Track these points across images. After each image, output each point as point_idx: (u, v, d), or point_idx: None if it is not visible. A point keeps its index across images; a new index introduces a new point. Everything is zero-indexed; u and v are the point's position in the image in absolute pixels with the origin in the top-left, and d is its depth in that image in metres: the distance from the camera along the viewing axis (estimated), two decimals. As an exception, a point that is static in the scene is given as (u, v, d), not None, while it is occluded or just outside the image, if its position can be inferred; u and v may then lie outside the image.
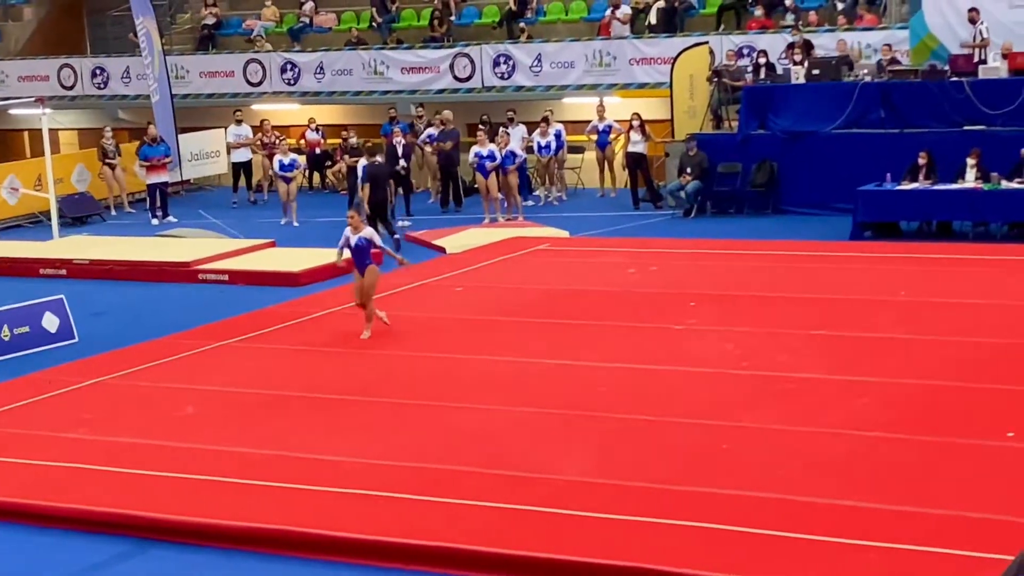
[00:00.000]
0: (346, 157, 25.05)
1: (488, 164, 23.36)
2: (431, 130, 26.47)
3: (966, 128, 20.97)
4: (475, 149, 23.71)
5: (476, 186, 24.37)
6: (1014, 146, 20.05)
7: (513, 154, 23.61)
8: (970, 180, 19.97)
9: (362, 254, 15.42)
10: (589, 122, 25.92)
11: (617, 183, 26.09)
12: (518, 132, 25.53)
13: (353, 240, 15.39)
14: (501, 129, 24.96)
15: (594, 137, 25.74)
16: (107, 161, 27.40)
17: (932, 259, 18.23)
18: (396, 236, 21.05)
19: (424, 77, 29.19)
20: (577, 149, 26.73)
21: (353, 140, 24.59)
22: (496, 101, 27.91)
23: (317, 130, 28.29)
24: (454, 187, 25.65)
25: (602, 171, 26.16)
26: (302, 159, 26.53)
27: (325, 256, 19.94)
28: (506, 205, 23.88)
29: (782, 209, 22.69)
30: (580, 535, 9.22)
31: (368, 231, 15.59)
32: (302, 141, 28.66)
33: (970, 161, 20.00)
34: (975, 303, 15.50)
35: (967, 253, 18.54)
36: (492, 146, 23.71)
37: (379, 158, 22.19)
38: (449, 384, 13.29)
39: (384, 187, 21.49)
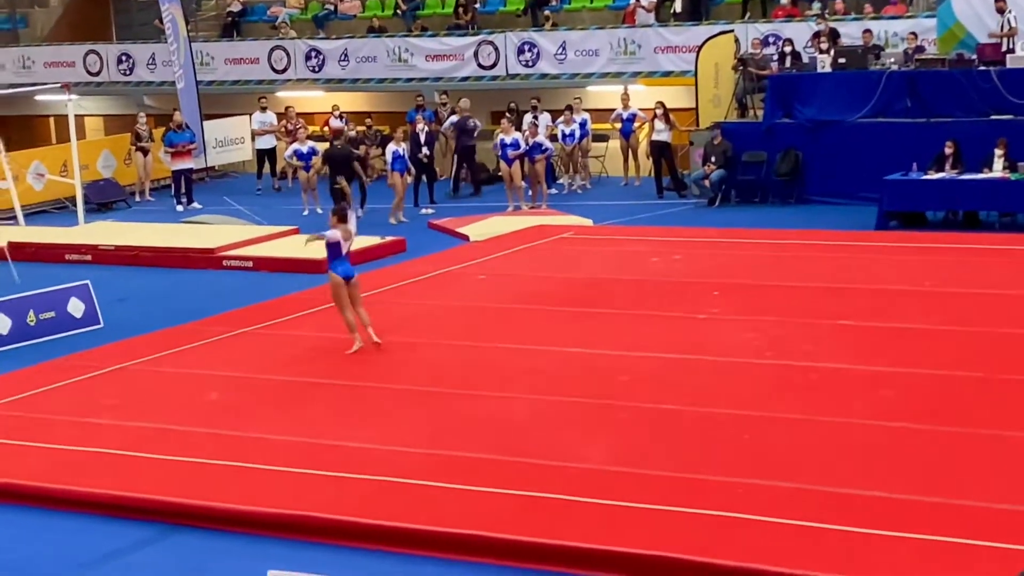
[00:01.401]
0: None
1: (511, 152, 23.34)
2: (454, 118, 26.49)
3: (993, 117, 20.84)
4: (500, 137, 23.68)
5: (500, 174, 24.36)
6: (1042, 136, 19.96)
7: (541, 145, 23.57)
8: (997, 170, 19.86)
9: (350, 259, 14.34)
10: (614, 110, 25.88)
11: (641, 172, 26.05)
12: (542, 120, 25.50)
13: (345, 246, 14.18)
14: (529, 119, 24.90)
15: (618, 125, 25.70)
16: (140, 145, 27.46)
17: (958, 249, 18.15)
18: None
19: (448, 65, 29.15)
20: (601, 137, 26.68)
21: (352, 133, 24.51)
22: (520, 89, 27.87)
23: (341, 117, 28.29)
24: (472, 174, 25.80)
25: (626, 160, 26.11)
26: (322, 146, 26.49)
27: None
28: (530, 193, 23.86)
29: (807, 198, 22.60)
30: (601, 523, 9.21)
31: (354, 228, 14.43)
32: (326, 128, 28.67)
33: (997, 151, 19.88)
34: (1001, 293, 15.42)
35: (993, 243, 18.47)
36: (517, 134, 23.68)
37: (339, 142, 23.37)
38: (471, 372, 13.30)
39: (343, 169, 22.34)
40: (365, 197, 23.74)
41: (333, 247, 14.10)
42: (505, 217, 22.52)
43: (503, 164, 23.61)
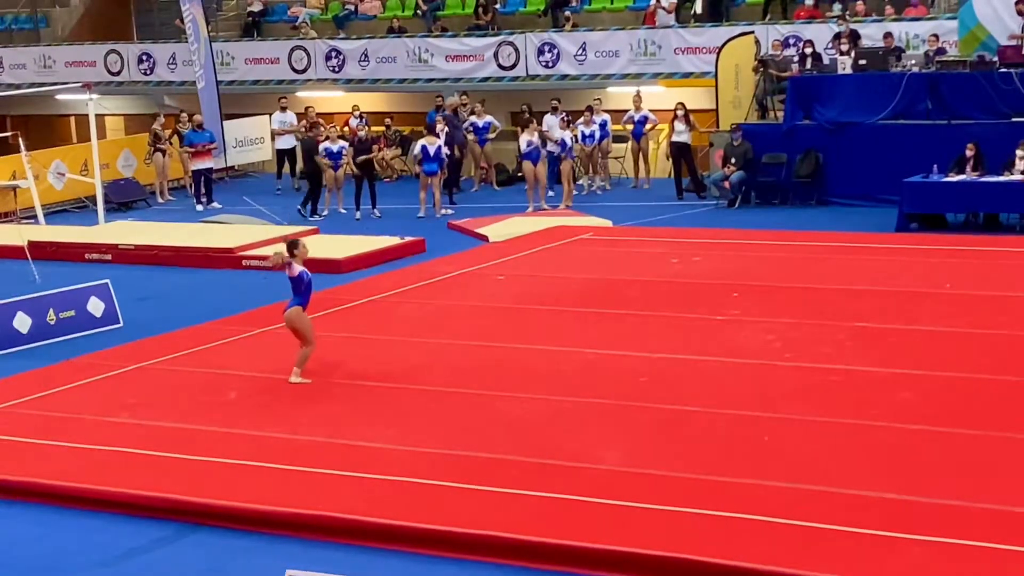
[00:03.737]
0: (351, 149, 24.80)
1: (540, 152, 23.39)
2: (473, 118, 26.57)
3: (1014, 120, 20.77)
4: (524, 137, 23.66)
5: (520, 174, 24.36)
6: (1063, 138, 19.87)
7: (564, 143, 23.62)
8: (1018, 172, 19.79)
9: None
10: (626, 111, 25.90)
11: (652, 173, 26.12)
12: (557, 121, 25.48)
13: (297, 270, 13.15)
14: (552, 120, 24.83)
15: (630, 127, 25.72)
16: (158, 147, 27.54)
17: (978, 252, 18.09)
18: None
19: (468, 65, 29.18)
20: (622, 139, 26.68)
21: (362, 134, 24.54)
22: (540, 90, 27.88)
23: (361, 117, 28.25)
24: (447, 178, 25.59)
25: (637, 162, 26.16)
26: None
27: (369, 243, 20.06)
28: (550, 193, 23.86)
29: (827, 200, 22.56)
30: (619, 525, 9.20)
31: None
32: (346, 128, 28.67)
33: (1019, 153, 19.81)
34: (1022, 296, 15.36)
35: (1014, 246, 18.38)
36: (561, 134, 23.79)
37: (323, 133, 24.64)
38: (490, 372, 13.29)
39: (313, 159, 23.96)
40: (375, 197, 23.79)
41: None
42: (525, 218, 22.51)
43: (527, 164, 23.57)
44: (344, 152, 24.04)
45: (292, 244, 13.38)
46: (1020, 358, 12.85)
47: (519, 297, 16.55)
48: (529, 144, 23.39)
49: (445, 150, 24.57)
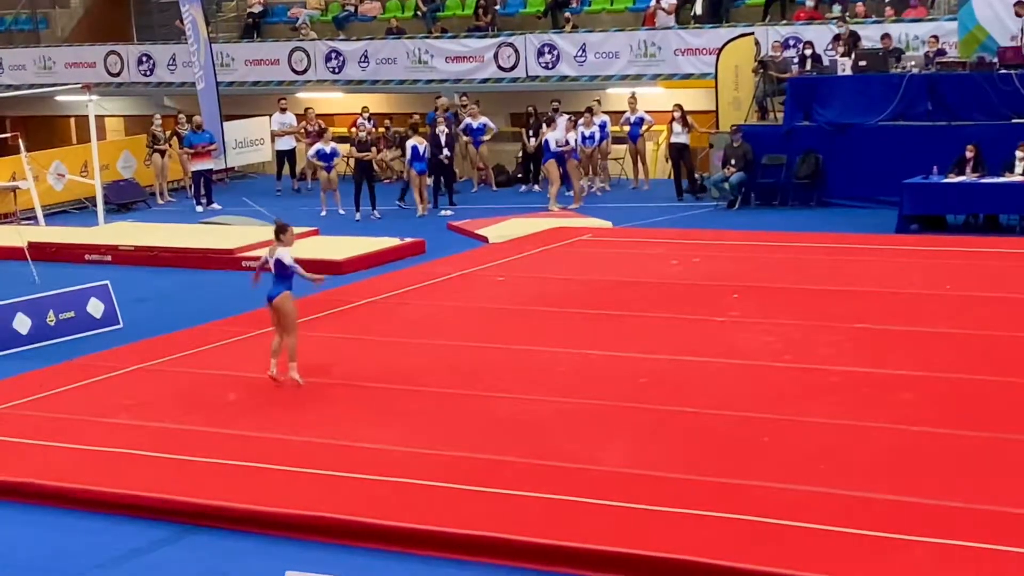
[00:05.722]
0: (353, 150, 24.73)
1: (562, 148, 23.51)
2: (468, 119, 26.57)
3: (1014, 121, 20.77)
4: (549, 136, 23.68)
5: (520, 175, 24.40)
6: (1063, 140, 19.87)
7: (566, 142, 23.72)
8: (1018, 173, 19.80)
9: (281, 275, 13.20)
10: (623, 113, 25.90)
11: (650, 175, 26.10)
12: (561, 122, 25.48)
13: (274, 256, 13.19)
14: (562, 121, 24.85)
15: (626, 129, 25.73)
16: (156, 148, 27.54)
17: (979, 253, 18.09)
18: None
19: (468, 66, 29.17)
20: (622, 140, 26.68)
21: (363, 135, 24.54)
22: (540, 91, 27.88)
23: (369, 119, 28.08)
24: (446, 179, 25.27)
25: (635, 163, 26.17)
26: (345, 148, 26.49)
27: (369, 244, 20.05)
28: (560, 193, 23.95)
29: (827, 201, 22.55)
30: (620, 526, 9.20)
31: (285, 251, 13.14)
32: (352, 129, 28.64)
33: (1019, 154, 19.81)
34: (1022, 297, 15.35)
35: (1014, 247, 18.38)
36: (570, 134, 23.83)
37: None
38: (490, 374, 13.28)
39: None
40: (374, 198, 23.82)
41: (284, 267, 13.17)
42: (524, 219, 22.49)
43: (553, 163, 23.55)
44: (338, 154, 24.06)
45: (281, 228, 13.30)
46: (1020, 360, 12.85)
47: (519, 298, 16.55)
48: (547, 143, 23.43)
49: (445, 152, 24.59)
